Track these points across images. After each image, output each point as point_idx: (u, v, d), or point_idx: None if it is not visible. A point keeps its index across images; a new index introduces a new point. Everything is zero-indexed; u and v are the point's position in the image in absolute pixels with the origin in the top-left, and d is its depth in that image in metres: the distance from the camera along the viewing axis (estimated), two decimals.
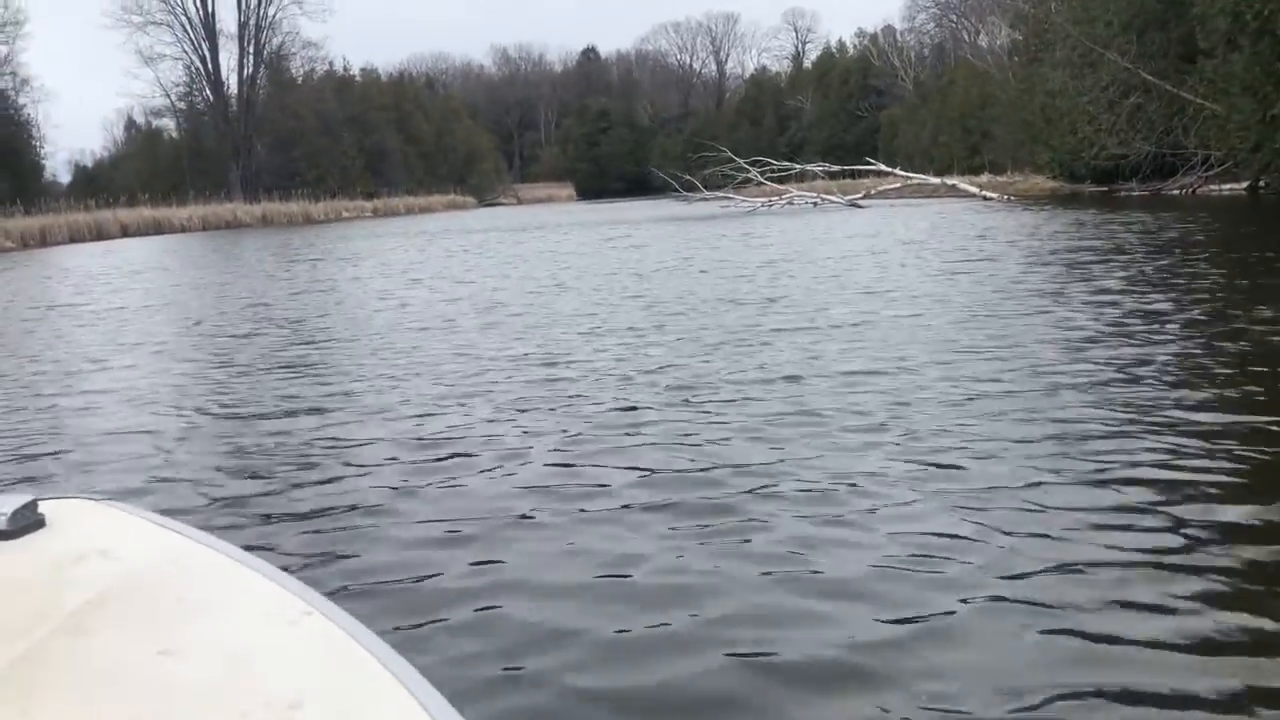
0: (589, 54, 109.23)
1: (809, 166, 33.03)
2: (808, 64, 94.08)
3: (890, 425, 4.38)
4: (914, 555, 2.91)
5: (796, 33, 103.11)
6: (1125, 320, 6.89)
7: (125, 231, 39.94)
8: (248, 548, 1.37)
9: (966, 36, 73.72)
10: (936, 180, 32.81)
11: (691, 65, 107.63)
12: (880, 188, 33.10)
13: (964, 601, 2.59)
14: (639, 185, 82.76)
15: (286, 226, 45.40)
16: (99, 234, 37.85)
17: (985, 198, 29.64)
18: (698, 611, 2.63)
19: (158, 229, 41.65)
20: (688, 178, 34.19)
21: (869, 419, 4.51)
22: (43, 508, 1.32)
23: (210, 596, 1.17)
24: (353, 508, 3.69)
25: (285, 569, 1.28)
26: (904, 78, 73.62)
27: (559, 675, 2.36)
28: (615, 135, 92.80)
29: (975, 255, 12.53)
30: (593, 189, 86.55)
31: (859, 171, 34.78)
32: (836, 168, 34.12)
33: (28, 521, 1.28)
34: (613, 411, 5.00)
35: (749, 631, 2.51)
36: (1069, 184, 32.66)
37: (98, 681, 0.97)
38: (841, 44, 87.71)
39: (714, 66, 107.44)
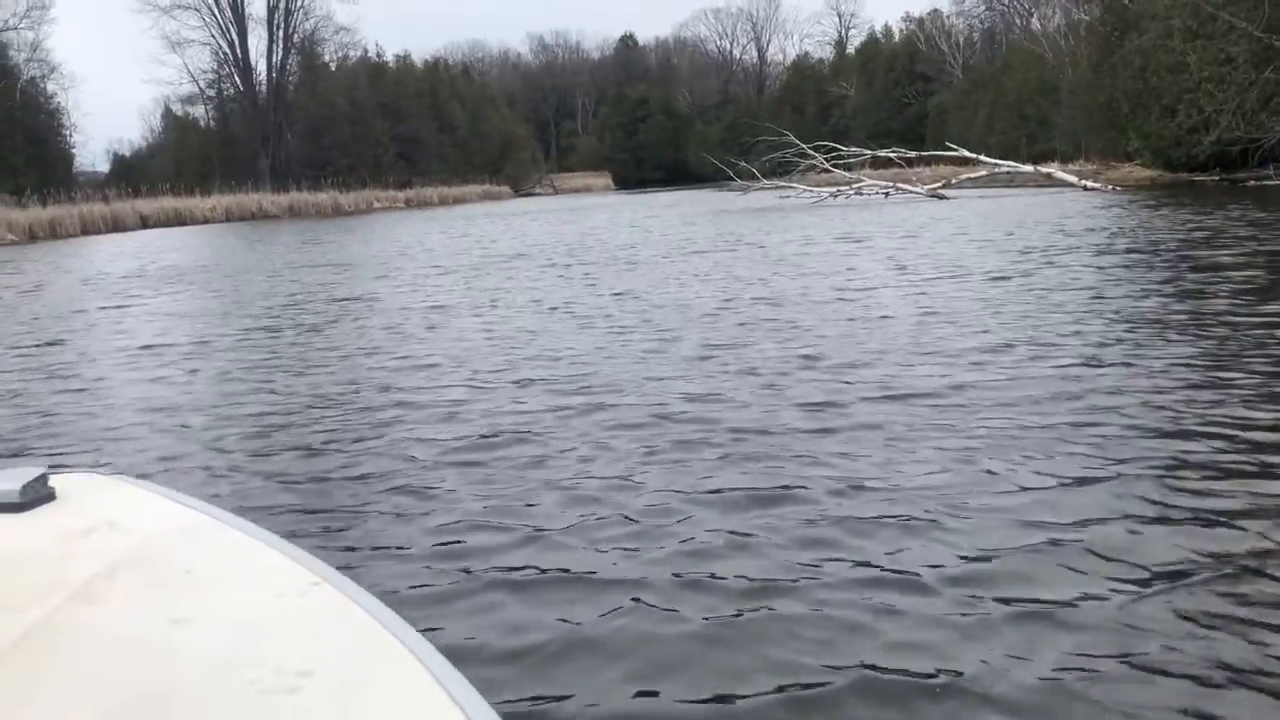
0: (627, 41, 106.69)
1: (883, 152, 30.04)
2: (851, 50, 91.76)
3: None
4: None
5: (840, 18, 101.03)
6: None
7: (145, 223, 37.85)
8: (256, 520, 1.33)
9: (1019, 20, 71.16)
10: (1028, 168, 29.68)
11: (731, 52, 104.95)
12: (962, 176, 30.03)
13: None
14: (678, 174, 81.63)
15: (314, 218, 43.09)
16: (115, 226, 35.68)
17: (1086, 188, 26.57)
18: None
19: (179, 220, 39.54)
20: (744, 164, 31.34)
21: None
22: (53, 481, 1.33)
23: (219, 568, 1.17)
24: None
25: (294, 540, 1.24)
26: (952, 63, 71.10)
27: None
28: (653, 123, 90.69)
29: (1235, 286, 7.98)
30: (631, 178, 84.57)
31: (938, 158, 31.68)
32: (913, 154, 31.05)
33: (38, 494, 1.30)
34: None
35: None
36: (1168, 172, 29.60)
37: (109, 650, 0.98)
38: (887, 29, 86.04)
39: (754, 53, 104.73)
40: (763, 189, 30.91)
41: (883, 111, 73.51)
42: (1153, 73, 29.76)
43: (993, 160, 30.26)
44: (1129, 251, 11.30)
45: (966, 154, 29.56)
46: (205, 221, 40.49)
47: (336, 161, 56.04)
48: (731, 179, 33.10)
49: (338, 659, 0.95)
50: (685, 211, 28.03)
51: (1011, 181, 32.23)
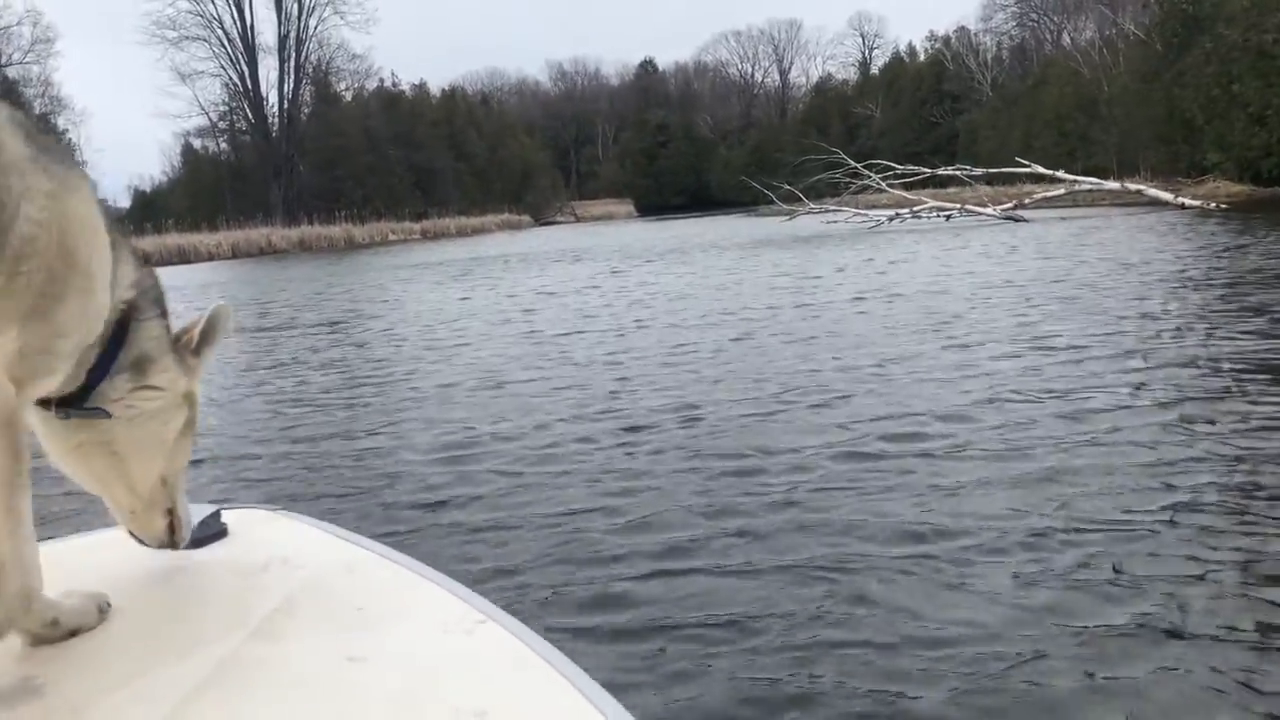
0: (646, 66, 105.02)
1: (945, 170, 27.32)
2: (875, 70, 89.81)
3: None
4: None
5: (863, 38, 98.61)
6: None
7: (146, 261, 35.35)
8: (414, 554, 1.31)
9: (1049, 35, 69.07)
10: (1114, 185, 26.87)
11: (753, 75, 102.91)
12: (1038, 195, 27.20)
13: None
14: (700, 199, 79.90)
15: (325, 252, 40.73)
16: None
17: (1184, 205, 23.81)
18: None
19: (183, 258, 37.32)
20: (787, 187, 28.77)
21: None
22: (225, 517, 1.37)
23: (389, 604, 1.19)
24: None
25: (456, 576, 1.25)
26: (981, 81, 68.93)
27: None
28: (675, 149, 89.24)
29: None
30: (653, 205, 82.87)
31: (1012, 175, 28.87)
32: (979, 171, 28.29)
33: (213, 530, 1.33)
34: None
35: None
36: (1260, 187, 26.88)
37: (295, 687, 1.00)
38: (911, 48, 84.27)
39: (777, 76, 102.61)
40: (810, 213, 28.31)
41: (910, 132, 71.45)
42: (1235, 79, 27.17)
43: (1072, 177, 27.37)
44: None
45: (1041, 170, 26.82)
46: (210, 258, 38.32)
47: (350, 193, 54.01)
48: (768, 202, 30.66)
49: (512, 700, 0.95)
50: (743, 245, 23.94)
51: (1077, 201, 29.58)
